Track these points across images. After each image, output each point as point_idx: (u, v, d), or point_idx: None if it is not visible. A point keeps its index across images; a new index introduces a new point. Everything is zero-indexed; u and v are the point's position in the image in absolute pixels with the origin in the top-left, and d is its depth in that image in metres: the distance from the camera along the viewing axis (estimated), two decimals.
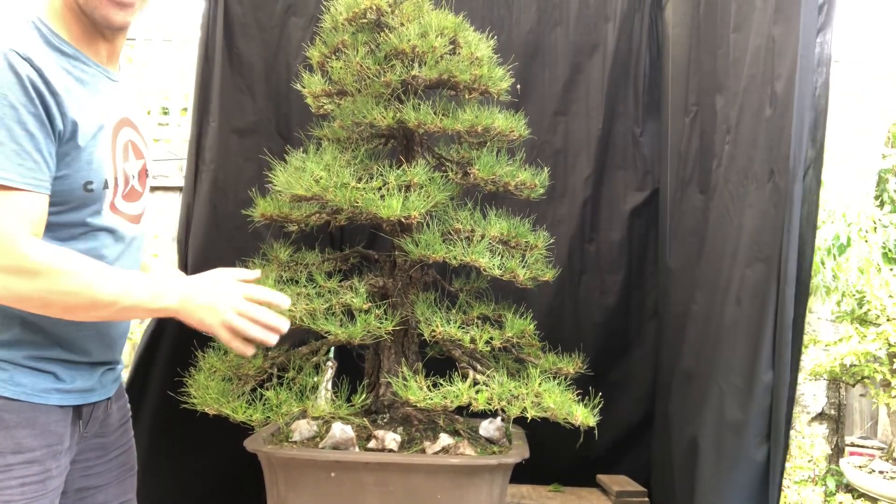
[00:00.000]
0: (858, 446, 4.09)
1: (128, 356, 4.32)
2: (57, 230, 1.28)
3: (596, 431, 1.60)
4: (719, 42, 1.84)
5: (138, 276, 1.35)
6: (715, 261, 1.78)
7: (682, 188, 2.01)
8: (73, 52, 1.30)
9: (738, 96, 1.73)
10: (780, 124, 1.60)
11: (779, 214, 1.58)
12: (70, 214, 1.28)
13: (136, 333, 4.34)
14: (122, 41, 1.42)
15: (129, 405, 1.58)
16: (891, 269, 3.58)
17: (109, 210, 1.35)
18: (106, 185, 1.32)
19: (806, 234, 1.56)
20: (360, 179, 1.68)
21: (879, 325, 3.21)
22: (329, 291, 1.70)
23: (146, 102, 5.91)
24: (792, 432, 3.96)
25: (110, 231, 1.35)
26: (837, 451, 4.09)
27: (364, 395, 1.62)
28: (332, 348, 1.88)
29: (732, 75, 1.75)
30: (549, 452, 1.96)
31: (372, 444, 1.63)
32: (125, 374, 2.05)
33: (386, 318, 1.63)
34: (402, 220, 1.63)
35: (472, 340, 1.66)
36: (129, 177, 1.41)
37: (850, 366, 3.24)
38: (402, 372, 1.69)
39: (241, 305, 1.33)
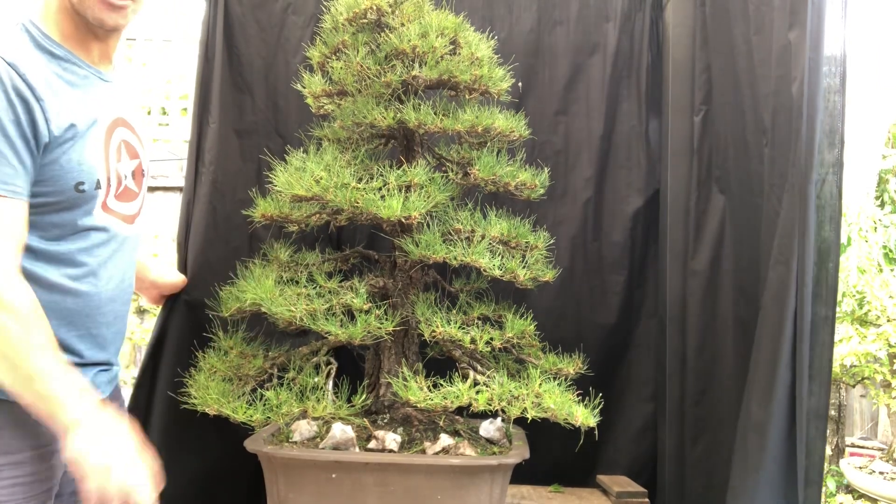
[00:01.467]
0: (859, 447, 4.09)
1: (127, 357, 4.33)
2: (48, 229, 1.28)
3: (596, 432, 1.60)
4: (735, 42, 1.83)
5: (72, 372, 1.23)
6: (755, 262, 1.78)
7: (698, 189, 2.00)
8: (65, 54, 1.30)
9: (769, 98, 1.72)
10: (797, 126, 1.60)
11: (795, 216, 1.59)
12: (61, 215, 1.28)
13: (136, 334, 4.35)
14: (115, 41, 1.42)
15: (125, 407, 1.58)
16: (891, 270, 3.58)
17: (101, 210, 1.35)
18: (98, 186, 1.32)
19: (829, 237, 1.56)
20: (360, 180, 1.68)
21: (880, 325, 3.21)
22: (329, 292, 1.70)
23: (146, 102, 5.92)
24: None
25: (102, 230, 1.35)
26: (838, 452, 4.09)
27: (364, 396, 1.62)
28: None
29: (761, 77, 1.75)
30: (550, 453, 1.96)
31: (372, 444, 1.63)
32: (126, 375, 2.06)
33: (386, 319, 1.63)
34: (403, 220, 1.63)
35: (473, 341, 1.66)
36: (122, 177, 1.40)
37: (851, 366, 3.24)
38: (402, 372, 1.69)
39: (122, 491, 1.17)
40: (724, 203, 1.92)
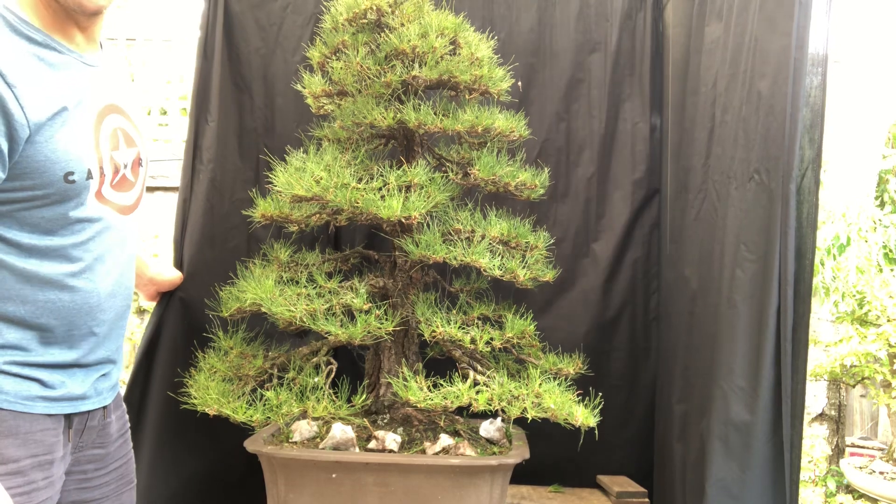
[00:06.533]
0: (859, 447, 4.10)
1: (127, 357, 4.34)
2: (39, 224, 1.23)
3: (596, 432, 1.60)
4: (704, 39, 1.85)
5: None
6: (706, 261, 1.79)
7: (676, 188, 2.02)
8: (44, 40, 1.24)
9: (721, 95, 1.73)
10: (766, 124, 1.60)
11: (767, 214, 1.58)
12: (53, 208, 1.23)
13: (136, 334, 4.35)
14: (99, 25, 1.35)
15: (127, 416, 1.54)
16: (891, 270, 3.58)
17: (95, 199, 1.29)
18: (90, 176, 1.26)
19: (806, 233, 1.56)
20: (360, 180, 1.68)
21: (880, 325, 3.21)
22: (329, 292, 1.70)
23: (146, 102, 5.91)
24: None
25: (96, 221, 1.30)
26: (838, 452, 4.09)
27: (364, 396, 1.62)
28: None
29: (717, 74, 1.76)
30: (550, 453, 1.96)
31: (372, 444, 1.63)
32: (126, 375, 2.05)
33: (386, 319, 1.63)
34: (403, 220, 1.63)
35: (473, 341, 1.66)
36: (121, 166, 1.35)
37: (851, 366, 3.24)
38: (402, 372, 1.69)
39: None
40: (685, 202, 1.93)
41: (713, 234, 1.76)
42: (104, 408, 1.41)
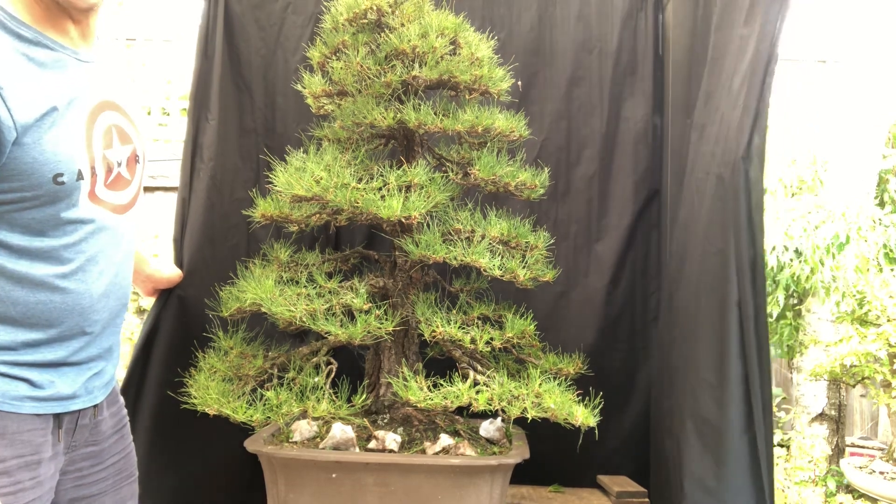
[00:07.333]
0: (859, 447, 4.10)
1: (127, 357, 4.33)
2: (30, 225, 1.22)
3: (597, 432, 1.60)
4: (705, 41, 1.86)
5: None
6: (684, 258, 1.80)
7: (671, 187, 2.03)
8: (35, 37, 1.22)
9: (712, 95, 1.74)
10: (729, 118, 1.61)
11: (725, 207, 1.59)
12: (42, 210, 1.21)
13: (136, 334, 4.35)
14: (93, 19, 1.33)
15: (124, 410, 1.53)
16: (891, 269, 3.58)
17: (88, 200, 1.27)
18: (80, 177, 1.24)
19: (754, 219, 1.56)
20: (360, 180, 1.68)
21: (880, 325, 3.20)
22: (329, 292, 1.70)
23: (146, 102, 5.91)
24: (792, 433, 3.96)
25: (89, 223, 1.28)
26: (838, 452, 4.08)
27: (364, 396, 1.62)
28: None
29: (712, 74, 1.77)
30: (550, 453, 1.96)
31: (372, 444, 1.63)
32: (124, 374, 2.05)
33: (386, 319, 1.63)
34: (403, 220, 1.63)
35: (473, 341, 1.66)
36: (114, 164, 1.32)
37: (851, 366, 3.24)
38: (402, 372, 1.69)
39: None
40: (675, 199, 1.93)
41: (694, 230, 1.77)
42: (95, 406, 1.39)
